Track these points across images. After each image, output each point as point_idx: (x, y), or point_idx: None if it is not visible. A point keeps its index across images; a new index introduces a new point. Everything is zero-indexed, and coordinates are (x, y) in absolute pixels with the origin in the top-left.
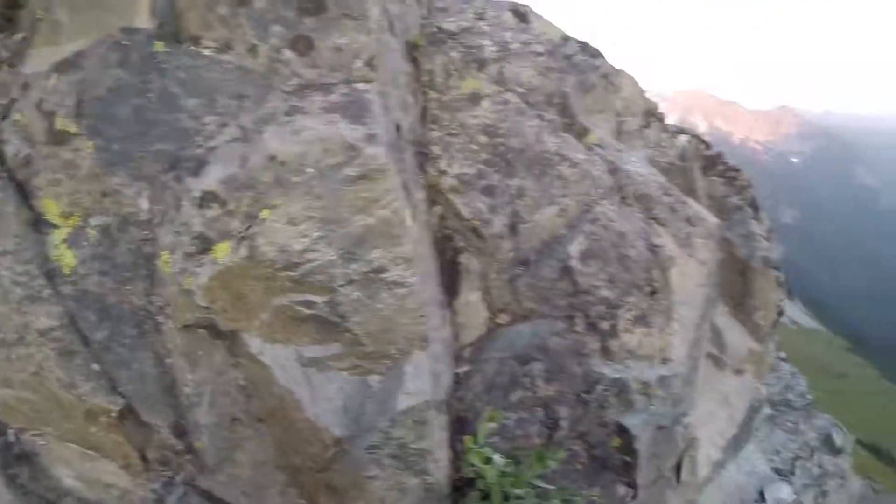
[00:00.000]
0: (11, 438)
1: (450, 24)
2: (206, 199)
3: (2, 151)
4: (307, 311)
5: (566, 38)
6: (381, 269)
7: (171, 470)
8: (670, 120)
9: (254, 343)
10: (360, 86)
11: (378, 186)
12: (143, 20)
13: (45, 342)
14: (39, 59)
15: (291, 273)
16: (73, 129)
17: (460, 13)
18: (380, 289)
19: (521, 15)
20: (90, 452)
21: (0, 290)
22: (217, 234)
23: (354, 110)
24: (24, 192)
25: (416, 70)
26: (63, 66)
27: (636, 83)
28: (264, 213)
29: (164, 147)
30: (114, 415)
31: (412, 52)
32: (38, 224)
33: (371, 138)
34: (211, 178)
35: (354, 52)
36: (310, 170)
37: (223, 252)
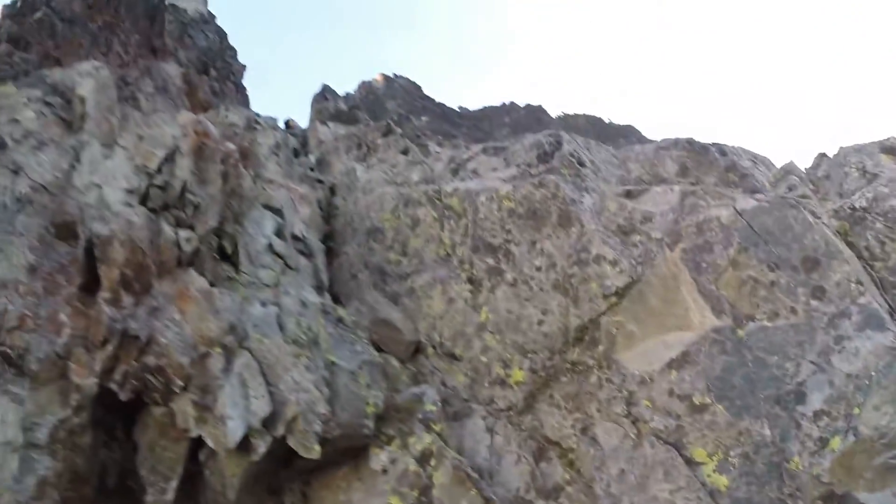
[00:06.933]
0: None
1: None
2: (818, 414)
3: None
4: None
5: None
6: None
7: None
8: None
9: (861, 496)
10: (862, 300)
11: None
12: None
13: None
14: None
15: (883, 440)
16: (707, 400)
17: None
18: None
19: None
20: None
21: None
22: (830, 433)
23: (873, 321)
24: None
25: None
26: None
27: None
28: (856, 411)
29: (767, 392)
30: None
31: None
32: (690, 463)
33: None
34: (816, 401)
35: (847, 280)
36: (873, 373)
37: (836, 443)
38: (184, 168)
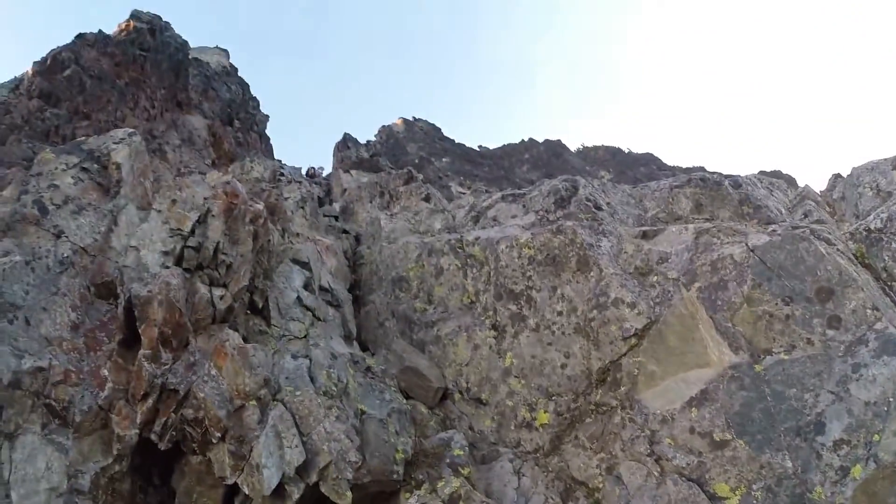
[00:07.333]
0: None
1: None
2: (838, 444)
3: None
4: None
5: None
6: None
7: None
8: None
9: None
10: (878, 326)
11: None
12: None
13: None
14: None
15: None
16: (728, 436)
17: (872, 210)
18: None
19: None
20: None
21: None
22: (851, 462)
23: (890, 346)
24: (699, 485)
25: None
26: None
27: None
28: (876, 438)
29: (787, 425)
30: None
31: (862, 261)
32: (713, 499)
33: None
34: (835, 431)
35: (863, 307)
36: (891, 399)
37: (858, 471)
38: (216, 229)
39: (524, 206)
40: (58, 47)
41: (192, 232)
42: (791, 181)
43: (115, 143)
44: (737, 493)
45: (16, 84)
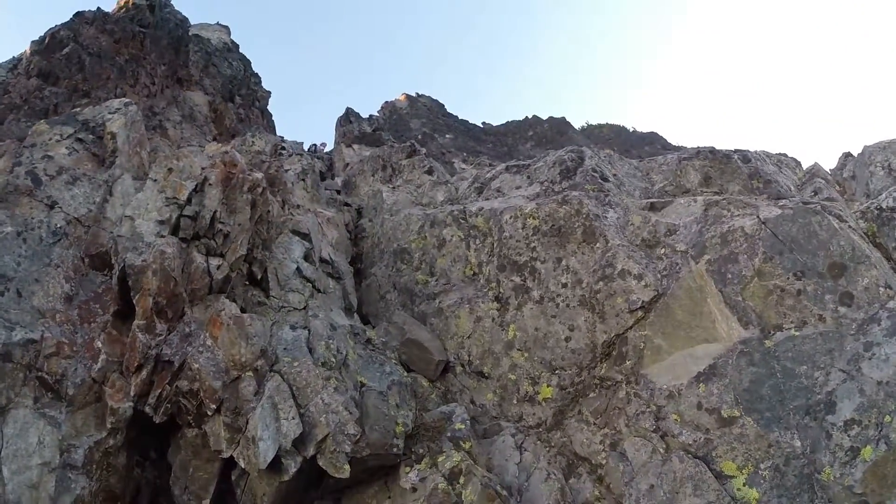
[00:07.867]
0: None
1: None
2: (848, 424)
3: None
4: None
5: None
6: None
7: None
8: None
9: None
10: (891, 304)
11: None
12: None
13: None
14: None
15: None
16: (736, 413)
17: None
18: None
19: None
20: None
21: None
22: (861, 443)
23: None
24: (706, 462)
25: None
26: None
27: None
28: (888, 419)
29: (797, 403)
30: None
31: (873, 240)
32: (720, 477)
33: None
34: (846, 410)
35: (875, 284)
36: None
37: (868, 453)
38: (213, 198)
39: (529, 177)
40: (56, 25)
41: (189, 201)
42: (797, 163)
43: (110, 113)
44: (744, 471)
45: (14, 64)
